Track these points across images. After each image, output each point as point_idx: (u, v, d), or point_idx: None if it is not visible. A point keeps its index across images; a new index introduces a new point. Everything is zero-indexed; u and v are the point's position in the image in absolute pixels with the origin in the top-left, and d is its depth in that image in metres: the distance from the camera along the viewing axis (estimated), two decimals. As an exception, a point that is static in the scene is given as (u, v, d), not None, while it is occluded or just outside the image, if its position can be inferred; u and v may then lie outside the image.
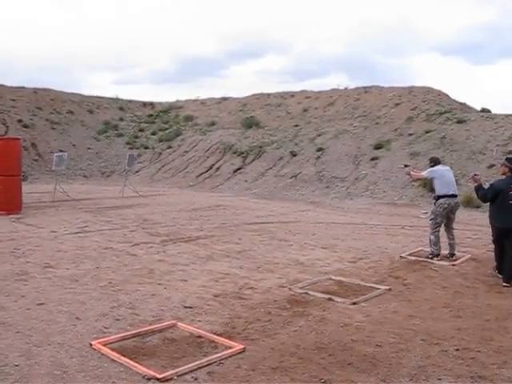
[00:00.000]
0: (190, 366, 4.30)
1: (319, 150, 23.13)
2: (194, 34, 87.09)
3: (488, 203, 7.89)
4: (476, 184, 7.96)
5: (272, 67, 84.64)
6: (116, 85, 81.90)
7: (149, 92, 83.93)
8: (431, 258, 8.89)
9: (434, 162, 9.36)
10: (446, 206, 8.92)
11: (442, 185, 8.97)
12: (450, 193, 8.98)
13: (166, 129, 31.73)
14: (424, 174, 9.51)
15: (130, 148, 29.16)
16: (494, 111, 23.61)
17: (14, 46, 79.31)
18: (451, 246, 9.15)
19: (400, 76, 79.96)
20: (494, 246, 8.00)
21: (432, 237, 9.04)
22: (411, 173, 9.90)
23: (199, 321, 5.55)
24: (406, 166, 10.33)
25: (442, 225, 9.11)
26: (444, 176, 9.09)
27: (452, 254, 9.10)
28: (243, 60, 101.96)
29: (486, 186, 7.99)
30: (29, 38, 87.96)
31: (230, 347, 4.73)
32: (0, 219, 12.77)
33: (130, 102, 36.66)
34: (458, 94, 45.56)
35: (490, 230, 7.99)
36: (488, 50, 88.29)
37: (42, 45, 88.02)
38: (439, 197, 8.98)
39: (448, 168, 9.57)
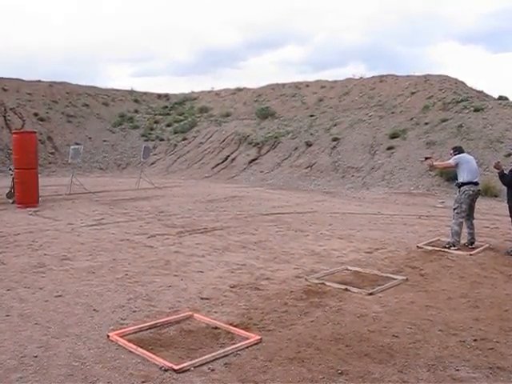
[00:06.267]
0: (206, 357, 4.30)
1: (335, 139, 23.00)
2: (213, 25, 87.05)
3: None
4: (499, 171, 8.52)
5: (291, 58, 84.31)
6: (135, 77, 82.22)
7: (167, 84, 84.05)
8: (448, 248, 8.81)
9: (459, 150, 9.32)
10: (470, 192, 8.88)
11: (468, 171, 8.93)
12: (475, 180, 8.97)
13: (181, 120, 31.74)
14: (451, 161, 9.31)
15: (146, 140, 29.24)
16: (512, 99, 23.28)
17: (33, 40, 79.91)
18: (471, 235, 9.10)
19: (419, 65, 78.97)
20: None
21: (456, 227, 8.92)
22: (435, 163, 9.81)
23: (216, 312, 5.57)
24: (427, 158, 10.14)
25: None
26: (470, 162, 9.07)
27: (472, 242, 9.04)
28: (262, 51, 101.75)
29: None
30: (47, 31, 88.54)
31: (247, 338, 4.73)
32: (17, 212, 12.92)
33: (145, 94, 36.74)
34: (476, 83, 44.84)
35: (509, 211, 8.62)
36: (510, 36, 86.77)
37: (62, 39, 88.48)
38: (463, 184, 8.93)
39: (472, 157, 9.46)
